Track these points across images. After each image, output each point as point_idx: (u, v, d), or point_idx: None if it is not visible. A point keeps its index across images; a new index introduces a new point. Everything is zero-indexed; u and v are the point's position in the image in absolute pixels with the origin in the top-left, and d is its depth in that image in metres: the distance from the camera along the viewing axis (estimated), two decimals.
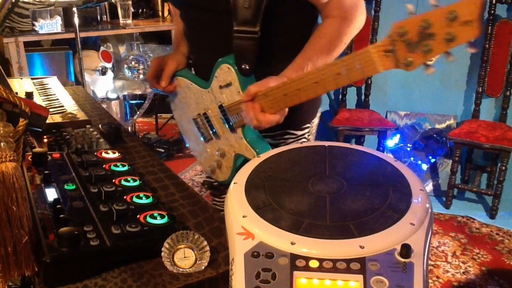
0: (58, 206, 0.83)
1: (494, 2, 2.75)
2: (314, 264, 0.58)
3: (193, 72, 1.31)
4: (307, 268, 0.58)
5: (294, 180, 0.73)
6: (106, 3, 3.91)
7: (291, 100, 1.01)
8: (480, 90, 2.90)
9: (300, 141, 1.28)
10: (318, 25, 1.14)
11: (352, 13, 1.09)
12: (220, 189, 1.31)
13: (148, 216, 0.83)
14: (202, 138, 1.28)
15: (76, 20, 2.95)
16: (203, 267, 0.78)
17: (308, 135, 1.31)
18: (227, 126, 1.18)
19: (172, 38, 1.46)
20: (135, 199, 0.89)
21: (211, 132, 1.24)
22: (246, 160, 1.13)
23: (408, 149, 3.21)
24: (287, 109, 1.06)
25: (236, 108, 1.13)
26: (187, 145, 1.41)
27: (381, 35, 3.08)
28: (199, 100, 1.24)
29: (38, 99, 1.55)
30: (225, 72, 1.13)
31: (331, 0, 1.09)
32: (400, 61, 0.81)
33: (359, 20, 1.11)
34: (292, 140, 1.26)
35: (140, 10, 4.20)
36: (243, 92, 1.09)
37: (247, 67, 1.10)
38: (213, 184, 1.34)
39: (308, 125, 1.29)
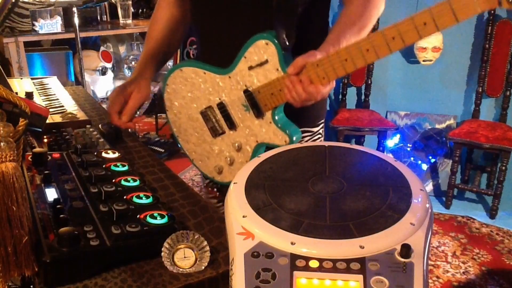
0: (58, 206, 0.83)
1: None
2: (314, 264, 0.58)
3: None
4: (307, 268, 0.58)
5: (294, 180, 0.73)
6: (106, 3, 3.91)
7: (353, 65, 0.95)
8: (480, 90, 2.90)
9: (316, 137, 1.28)
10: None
11: None
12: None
13: (148, 216, 0.83)
14: (209, 134, 1.21)
15: (76, 20, 2.95)
16: (203, 267, 0.78)
17: (322, 130, 1.30)
18: (251, 111, 1.12)
19: (140, 56, 1.43)
20: (135, 199, 0.89)
21: (226, 123, 1.17)
22: (268, 149, 1.10)
23: (408, 149, 3.21)
24: (334, 81, 1.02)
25: (270, 87, 1.07)
26: (179, 145, 1.30)
27: None
28: (213, 88, 1.17)
29: (38, 99, 1.55)
30: (261, 49, 1.07)
31: None
32: None
33: None
34: (308, 137, 1.25)
35: (140, 10, 4.21)
36: (282, 69, 1.05)
37: (287, 43, 1.05)
38: (218, 186, 1.29)
39: (322, 120, 1.29)
